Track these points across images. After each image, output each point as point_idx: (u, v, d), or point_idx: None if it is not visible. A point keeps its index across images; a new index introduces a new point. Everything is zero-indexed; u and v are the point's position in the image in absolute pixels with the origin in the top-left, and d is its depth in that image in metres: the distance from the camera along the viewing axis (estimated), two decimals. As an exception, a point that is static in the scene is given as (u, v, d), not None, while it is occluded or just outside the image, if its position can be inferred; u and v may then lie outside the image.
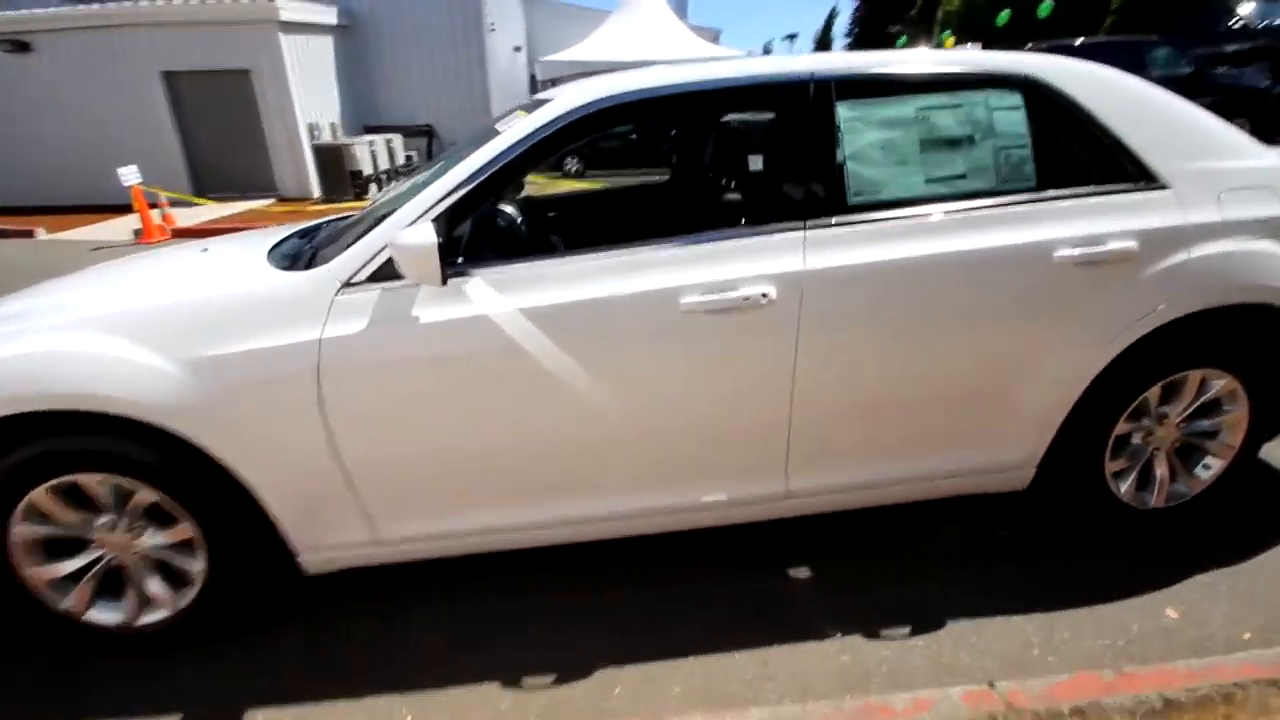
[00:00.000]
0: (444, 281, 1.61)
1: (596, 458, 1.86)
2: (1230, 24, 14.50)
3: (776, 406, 1.84)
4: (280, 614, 2.03)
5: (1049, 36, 12.85)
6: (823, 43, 41.99)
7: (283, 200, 11.77)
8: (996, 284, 1.83)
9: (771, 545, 2.21)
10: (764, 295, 1.72)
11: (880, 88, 1.87)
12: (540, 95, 2.08)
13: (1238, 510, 2.26)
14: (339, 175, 11.08)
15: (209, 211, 10.58)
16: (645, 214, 2.94)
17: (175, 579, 1.86)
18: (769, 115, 2.06)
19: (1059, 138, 1.94)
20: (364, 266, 1.71)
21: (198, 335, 1.66)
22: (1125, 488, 2.17)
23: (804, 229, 1.79)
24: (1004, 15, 16.07)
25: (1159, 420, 2.11)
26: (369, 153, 11.35)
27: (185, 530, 1.77)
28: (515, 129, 1.80)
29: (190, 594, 1.85)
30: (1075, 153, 1.95)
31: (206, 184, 11.92)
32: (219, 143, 11.86)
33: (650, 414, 1.81)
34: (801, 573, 2.10)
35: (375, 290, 1.69)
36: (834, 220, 1.80)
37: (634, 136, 13.11)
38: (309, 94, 11.98)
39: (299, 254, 2.06)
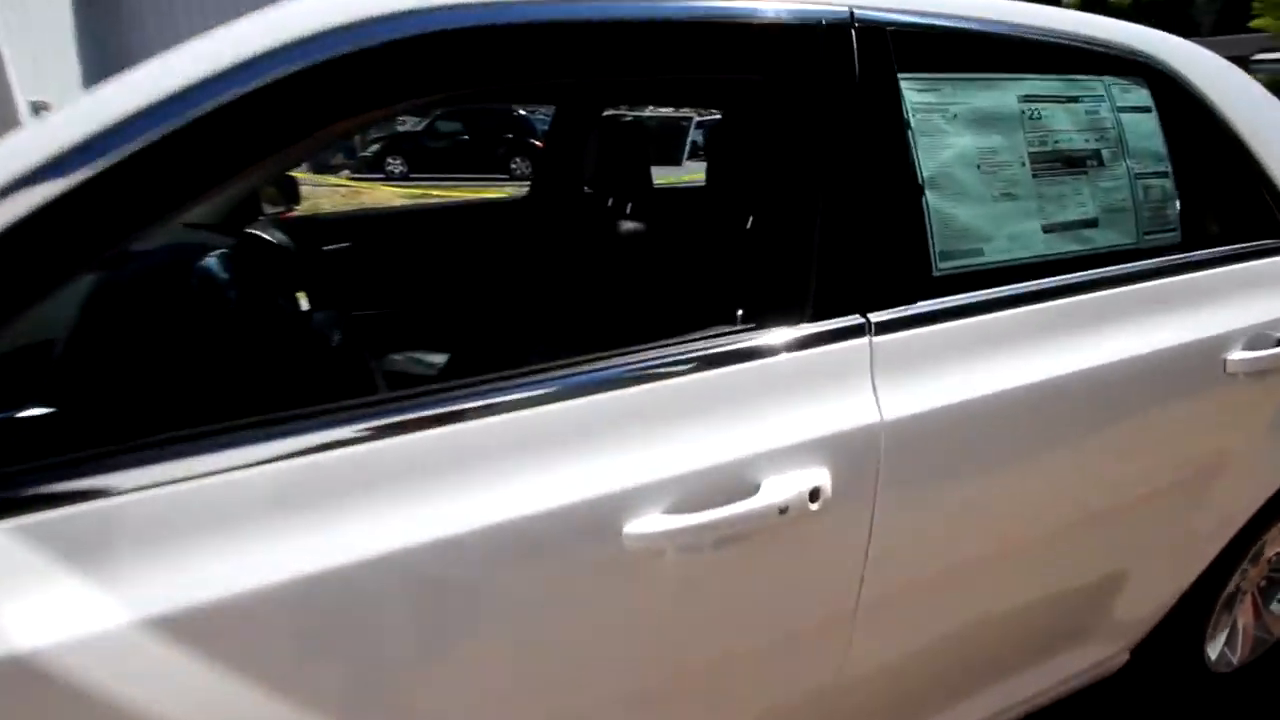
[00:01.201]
0: None
1: None
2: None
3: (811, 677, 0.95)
4: None
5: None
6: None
7: (-4, 198, 9.05)
8: (1155, 409, 1.08)
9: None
10: (813, 494, 0.79)
11: (963, 50, 1.01)
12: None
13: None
14: (78, 169, 8.68)
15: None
16: (508, 273, 1.79)
17: None
18: (732, 99, 1.18)
19: (1191, 162, 1.24)
20: None
21: None
22: (1216, 652, 1.57)
23: (868, 332, 0.88)
24: None
25: (1254, 560, 1.52)
26: (122, 141, 9.02)
27: None
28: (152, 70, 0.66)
29: None
30: (1203, 185, 1.26)
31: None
32: (-104, 120, 8.89)
33: None
34: None
35: None
36: (917, 309, 0.91)
37: (465, 137, 11.73)
38: (34, 63, 9.34)
39: None
